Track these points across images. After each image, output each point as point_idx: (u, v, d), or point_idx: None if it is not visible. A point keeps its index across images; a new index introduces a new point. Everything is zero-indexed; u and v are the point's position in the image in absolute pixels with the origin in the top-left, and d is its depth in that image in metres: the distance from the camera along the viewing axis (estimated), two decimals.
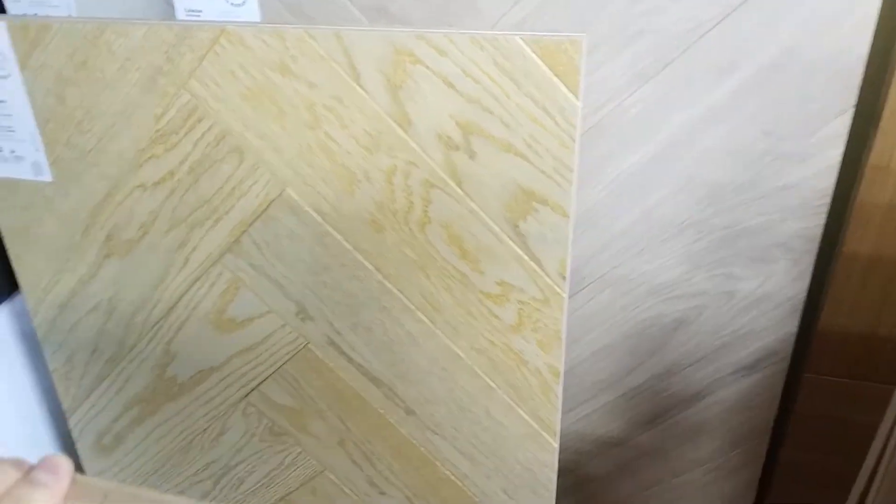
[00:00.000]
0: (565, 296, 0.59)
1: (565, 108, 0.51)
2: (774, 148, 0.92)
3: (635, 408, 1.10)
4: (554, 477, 0.78)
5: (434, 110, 0.54)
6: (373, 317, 0.67)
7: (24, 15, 0.78)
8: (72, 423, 0.88)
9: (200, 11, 0.91)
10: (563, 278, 0.58)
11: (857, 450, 1.00)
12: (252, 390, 0.78)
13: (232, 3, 0.92)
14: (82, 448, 0.91)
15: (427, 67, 0.52)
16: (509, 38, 0.50)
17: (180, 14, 0.82)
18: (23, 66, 0.63)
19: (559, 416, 0.72)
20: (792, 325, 1.00)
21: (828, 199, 0.93)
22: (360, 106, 0.56)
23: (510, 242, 0.58)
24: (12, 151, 0.71)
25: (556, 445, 0.75)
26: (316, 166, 0.60)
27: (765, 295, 1.00)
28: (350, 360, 0.71)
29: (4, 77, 0.65)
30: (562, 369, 0.64)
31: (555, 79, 0.50)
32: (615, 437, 1.14)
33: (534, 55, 0.50)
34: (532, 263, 0.59)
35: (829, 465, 1.10)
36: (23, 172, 0.71)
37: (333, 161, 0.59)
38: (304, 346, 0.72)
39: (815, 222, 0.95)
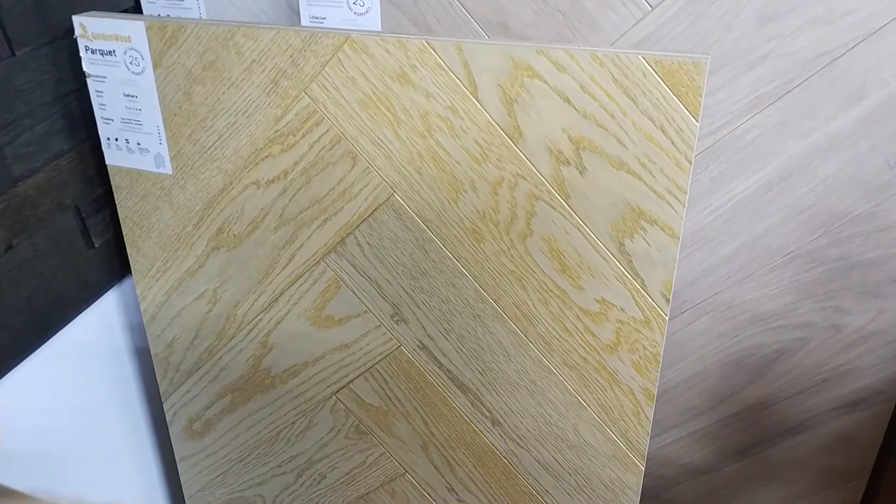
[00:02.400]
0: (667, 318, 0.59)
1: (683, 128, 0.52)
2: None
3: (726, 437, 1.08)
4: (637, 500, 0.78)
5: (547, 124, 0.55)
6: (466, 324, 0.69)
7: (159, 16, 0.84)
8: (166, 406, 0.94)
9: (324, 19, 0.94)
10: (667, 300, 0.59)
11: None
12: (342, 388, 0.82)
13: (355, 13, 0.95)
14: (174, 432, 0.97)
15: (545, 82, 0.54)
16: (631, 56, 0.51)
17: (305, 21, 0.86)
18: (156, 64, 0.68)
19: (648, 439, 0.72)
20: None
21: None
22: (473, 117, 0.58)
23: (614, 261, 0.59)
24: (138, 144, 0.77)
25: (643, 468, 0.75)
26: (424, 174, 0.62)
27: (875, 331, 0.97)
28: (440, 365, 0.73)
29: (138, 73, 0.71)
30: (655, 392, 0.64)
31: (675, 99, 0.51)
32: (702, 466, 1.12)
33: (655, 74, 0.51)
34: (635, 283, 0.59)
35: None
36: (146, 164, 0.77)
37: (442, 170, 0.61)
38: (396, 349, 0.75)
39: None
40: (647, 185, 0.55)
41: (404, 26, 0.98)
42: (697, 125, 0.51)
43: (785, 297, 0.99)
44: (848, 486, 1.05)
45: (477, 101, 0.57)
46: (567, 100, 0.54)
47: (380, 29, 0.98)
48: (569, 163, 0.57)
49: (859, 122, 0.86)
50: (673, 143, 0.52)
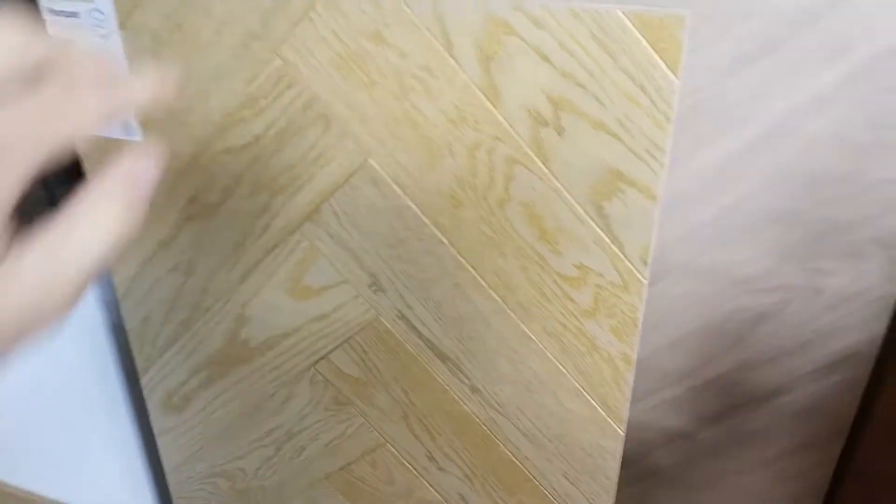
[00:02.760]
0: (645, 282, 0.59)
1: (663, 86, 0.51)
2: (881, 139, 0.88)
3: (706, 401, 1.09)
4: (617, 465, 0.79)
5: (525, 84, 0.54)
6: (444, 293, 0.68)
7: None
8: (143, 381, 0.92)
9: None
10: (645, 264, 0.58)
11: None
12: (321, 359, 0.81)
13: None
14: (152, 407, 0.95)
15: (522, 39, 0.52)
16: (610, 11, 0.49)
17: None
18: (122, 25, 0.66)
19: (628, 405, 0.72)
20: (881, 326, 0.97)
21: None
22: (449, 77, 0.56)
23: (592, 224, 0.59)
24: None
25: (623, 434, 0.75)
26: (400, 138, 0.61)
27: (856, 292, 0.97)
28: (419, 334, 0.73)
29: (104, 37, 0.69)
30: (635, 357, 0.64)
31: (654, 56, 0.50)
32: (682, 430, 1.13)
33: (634, 30, 0.49)
34: (613, 247, 0.59)
35: None
36: (112, 132, 0.75)
37: (418, 133, 0.60)
38: (374, 318, 0.74)
39: None
40: (625, 145, 0.54)
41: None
42: (678, 83, 0.50)
43: (766, 260, 0.98)
44: (826, 447, 1.07)
45: (453, 59, 0.56)
46: (546, 58, 0.53)
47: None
48: (547, 124, 0.56)
49: (844, 80, 0.84)
50: (653, 101, 0.51)
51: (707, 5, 0.86)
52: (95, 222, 0.24)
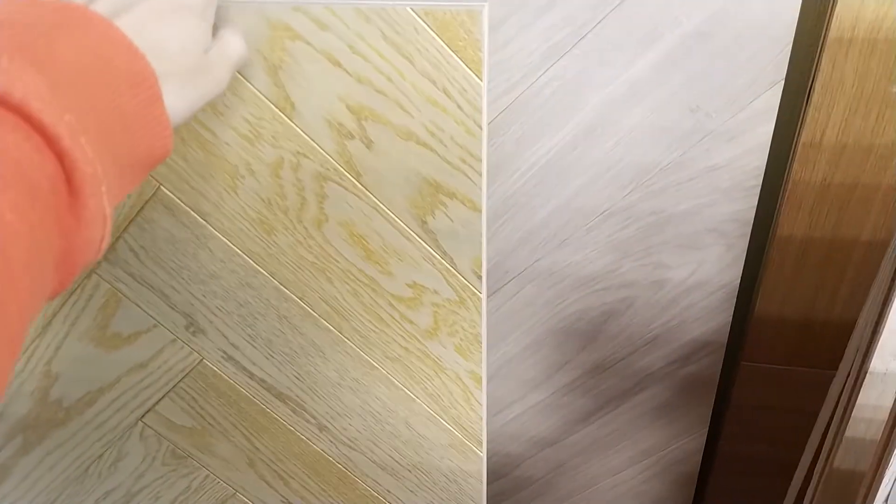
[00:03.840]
0: (482, 296, 0.53)
1: (467, 89, 0.45)
2: (701, 126, 0.87)
3: (568, 406, 1.06)
4: (482, 487, 0.73)
5: (321, 93, 0.47)
6: (271, 327, 0.60)
7: None
8: None
9: None
10: (479, 277, 0.53)
11: (796, 437, 0.97)
12: (147, 411, 0.70)
13: None
14: None
15: (309, 44, 0.45)
16: (399, 10, 0.43)
17: None
18: None
19: (484, 424, 0.66)
20: (727, 314, 0.97)
21: (759, 180, 0.89)
22: (235, 89, 0.48)
23: (419, 240, 0.52)
24: None
25: (483, 455, 0.69)
26: (191, 160, 0.52)
27: (697, 283, 0.97)
28: (251, 375, 0.64)
29: None
30: (484, 374, 0.58)
31: (453, 56, 0.44)
32: (549, 437, 1.10)
33: (428, 28, 0.44)
34: (444, 262, 0.53)
35: (769, 453, 1.08)
36: None
37: (210, 153, 0.51)
38: (199, 362, 0.64)
39: (748, 204, 0.91)
40: (439, 155, 0.48)
41: None
42: (482, 84, 0.45)
43: (605, 258, 0.96)
44: (692, 437, 1.06)
45: (245, 73, 0.48)
46: (337, 63, 0.46)
47: None
48: (352, 136, 0.49)
49: (656, 68, 0.82)
50: (459, 106, 0.46)
51: None
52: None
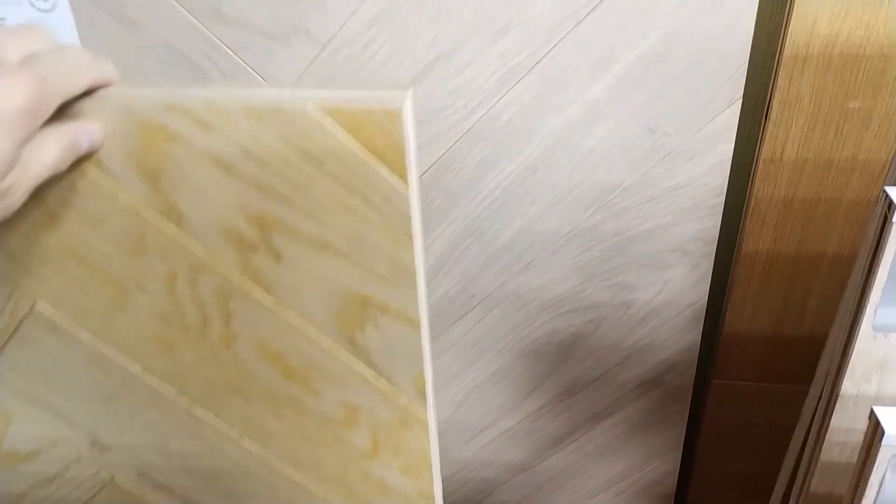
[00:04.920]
0: (429, 419, 0.44)
1: (391, 196, 0.35)
2: (661, 146, 0.81)
3: (539, 430, 0.99)
4: None
5: (212, 202, 0.37)
6: (187, 445, 0.50)
7: None
8: None
9: (3, 19, 0.71)
10: (423, 396, 0.43)
11: (771, 451, 0.93)
12: None
13: (40, 9, 0.72)
14: None
15: (191, 147, 0.35)
16: (299, 108, 0.33)
17: None
18: None
19: None
20: (695, 334, 0.91)
21: (722, 198, 0.84)
22: (109, 197, 0.38)
23: (347, 358, 0.43)
24: None
25: None
26: (68, 274, 0.42)
27: (664, 303, 0.90)
28: (171, 492, 0.54)
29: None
30: (438, 493, 0.49)
31: (371, 159, 0.34)
32: (522, 463, 1.03)
33: (338, 128, 0.34)
34: (381, 381, 0.43)
35: (746, 469, 1.03)
36: None
37: (89, 268, 0.41)
38: (110, 479, 0.54)
39: (711, 223, 0.85)
40: (363, 267, 0.38)
41: (101, 21, 0.75)
42: (410, 187, 0.35)
43: (570, 280, 0.89)
44: (666, 457, 1.00)
45: (108, 175, 0.37)
46: (229, 169, 0.36)
47: (72, 27, 0.74)
48: (256, 248, 0.39)
49: (613, 89, 0.78)
50: (383, 214, 0.36)
51: (465, 18, 0.76)
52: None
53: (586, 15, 0.77)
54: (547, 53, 0.78)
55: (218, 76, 0.82)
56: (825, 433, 0.77)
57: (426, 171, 0.85)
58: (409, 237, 0.36)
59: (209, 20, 0.78)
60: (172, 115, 0.34)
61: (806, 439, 0.80)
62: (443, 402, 0.99)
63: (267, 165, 0.35)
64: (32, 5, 0.74)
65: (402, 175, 0.34)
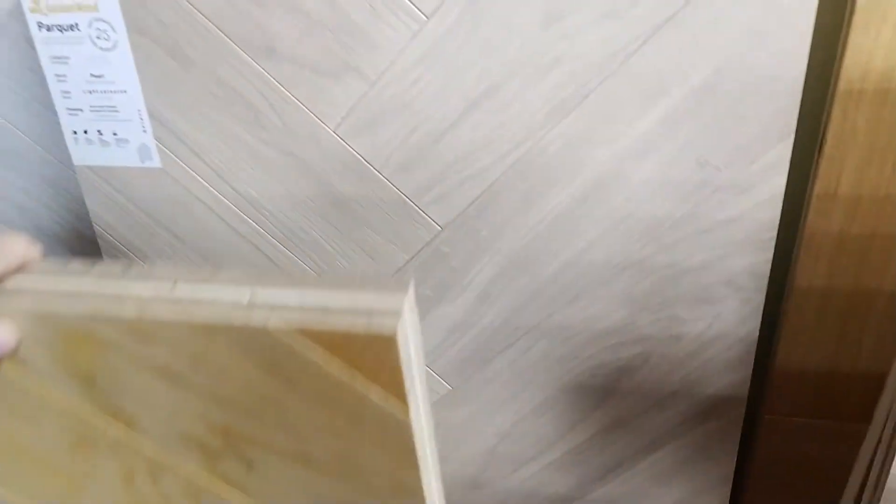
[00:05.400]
0: None
1: (387, 421, 0.23)
2: (712, 178, 0.66)
3: (585, 462, 0.86)
4: None
5: (163, 409, 0.25)
6: None
7: None
8: None
9: (68, 58, 0.62)
10: None
11: (823, 489, 0.78)
12: None
13: (101, 48, 0.62)
14: None
15: (126, 356, 0.24)
16: (257, 326, 0.21)
17: (44, 61, 0.60)
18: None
19: None
20: (746, 368, 0.75)
21: (774, 232, 0.68)
22: (38, 398, 0.27)
23: None
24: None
25: None
26: (17, 463, 0.31)
27: (715, 337, 0.75)
28: None
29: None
30: None
31: (357, 380, 0.22)
32: (567, 495, 0.91)
33: (311, 349, 0.21)
34: None
35: None
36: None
37: (35, 460, 0.30)
38: None
39: (763, 257, 0.69)
40: (356, 485, 0.26)
41: (157, 57, 0.65)
42: (409, 411, 0.22)
43: (619, 313, 0.75)
44: (714, 492, 0.86)
45: (33, 375, 0.26)
46: (177, 380, 0.24)
47: (132, 65, 0.64)
48: (223, 456, 0.27)
49: (664, 122, 0.64)
50: (377, 439, 0.23)
51: (514, 53, 0.63)
52: None
53: (636, 49, 0.62)
54: (596, 87, 0.64)
55: (269, 111, 0.72)
56: (885, 480, 0.63)
57: (471, 204, 0.72)
58: (414, 461, 0.24)
59: (262, 57, 0.68)
60: (100, 324, 0.23)
61: (864, 484, 0.66)
62: (487, 433, 0.87)
63: (224, 378, 0.23)
64: (94, 44, 0.64)
65: (401, 397, 0.22)
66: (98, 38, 0.62)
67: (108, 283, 0.23)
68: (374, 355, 0.21)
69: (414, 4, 0.64)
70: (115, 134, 0.69)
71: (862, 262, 0.70)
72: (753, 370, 0.75)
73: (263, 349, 0.22)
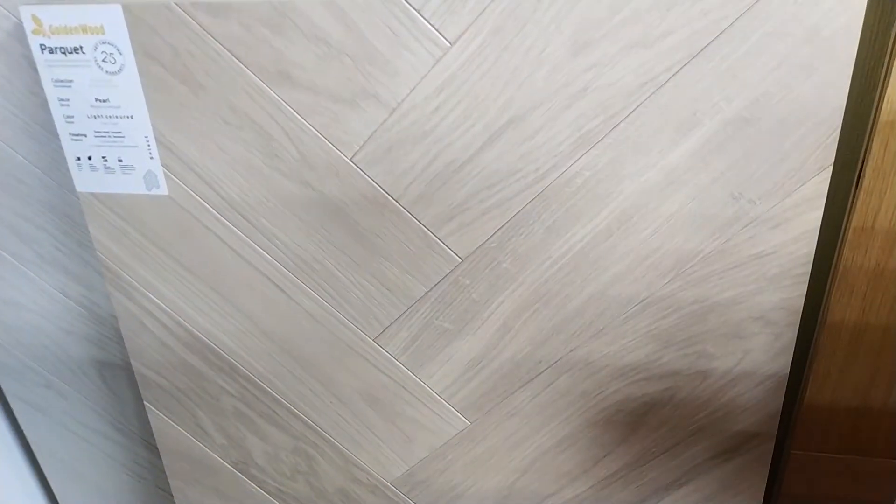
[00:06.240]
0: None
1: None
2: (746, 212, 0.64)
3: (608, 499, 0.84)
4: None
5: None
6: None
7: None
8: None
9: (71, 82, 0.59)
10: None
11: None
12: None
13: (107, 72, 0.59)
14: None
15: None
16: None
17: (46, 85, 0.60)
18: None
19: None
20: (775, 405, 0.73)
21: (808, 266, 0.66)
22: None
23: None
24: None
25: None
26: None
27: (743, 373, 0.72)
28: None
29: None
30: None
31: None
32: None
33: None
34: None
35: None
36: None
37: None
38: None
39: (796, 292, 0.68)
40: None
41: (166, 81, 0.62)
42: None
43: (645, 348, 0.73)
44: None
45: None
46: None
47: (140, 89, 0.62)
48: None
49: (695, 154, 0.62)
50: None
51: (539, 83, 0.61)
52: None
53: (667, 80, 0.60)
54: (625, 118, 0.62)
55: (283, 139, 0.69)
56: None
57: (493, 235, 0.70)
58: None
59: (276, 83, 0.65)
60: None
61: None
62: (506, 469, 0.84)
63: None
64: (100, 67, 0.61)
65: None
66: (104, 61, 0.60)
67: None
68: None
69: (437, 30, 0.62)
70: (120, 160, 0.66)
71: None
72: (782, 405, 0.73)
73: None
